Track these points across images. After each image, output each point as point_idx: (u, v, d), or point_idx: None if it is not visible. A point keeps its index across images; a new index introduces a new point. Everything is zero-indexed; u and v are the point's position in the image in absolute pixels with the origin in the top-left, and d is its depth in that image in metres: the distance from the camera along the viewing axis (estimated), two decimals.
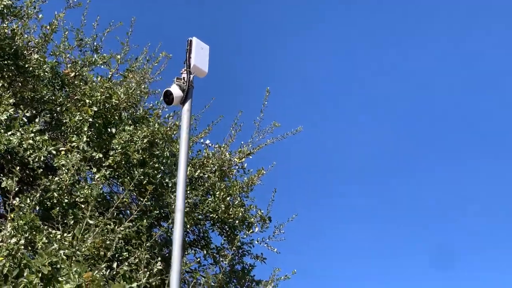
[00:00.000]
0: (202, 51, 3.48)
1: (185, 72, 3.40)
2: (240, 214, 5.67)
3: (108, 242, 4.20)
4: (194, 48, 3.42)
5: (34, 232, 4.05)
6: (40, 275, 3.41)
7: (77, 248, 3.87)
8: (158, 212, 5.21)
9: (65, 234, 4.05)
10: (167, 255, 5.11)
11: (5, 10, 5.17)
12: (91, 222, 4.20)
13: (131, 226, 4.47)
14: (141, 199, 5.14)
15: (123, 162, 5.10)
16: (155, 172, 5.20)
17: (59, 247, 3.66)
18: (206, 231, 6.00)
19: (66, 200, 4.68)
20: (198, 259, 5.92)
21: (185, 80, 3.37)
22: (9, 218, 4.02)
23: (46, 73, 5.19)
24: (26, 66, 5.19)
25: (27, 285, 3.37)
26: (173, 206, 5.20)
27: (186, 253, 6.01)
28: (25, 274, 3.39)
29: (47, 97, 5.25)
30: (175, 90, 3.37)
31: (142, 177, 5.03)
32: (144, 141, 5.13)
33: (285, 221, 6.03)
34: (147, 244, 4.48)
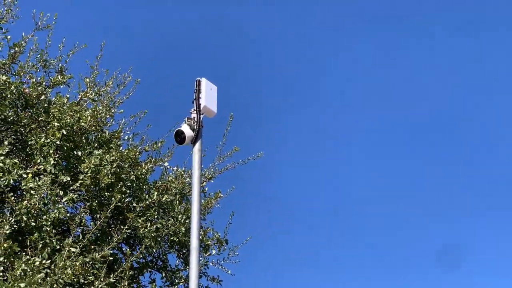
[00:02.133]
0: (211, 92, 3.66)
1: (195, 112, 3.55)
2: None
3: (86, 269, 4.19)
4: (204, 88, 3.59)
5: (12, 258, 3.95)
6: None
7: (59, 276, 3.84)
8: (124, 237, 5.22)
9: (43, 261, 3.98)
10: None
11: None
12: (70, 248, 4.16)
13: (107, 252, 4.49)
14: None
15: (91, 186, 5.07)
16: (123, 196, 5.22)
17: (46, 275, 3.63)
18: (164, 253, 6.08)
19: (33, 223, 4.57)
20: (154, 280, 5.99)
21: (195, 120, 3.52)
22: None
23: (12, 94, 5.02)
24: None
25: None
26: (140, 230, 5.27)
27: (142, 274, 6.06)
28: None
29: (11, 118, 5.08)
30: (186, 130, 3.51)
31: (110, 200, 5.05)
32: (114, 165, 5.15)
33: (240, 244, 6.30)
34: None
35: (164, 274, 5.93)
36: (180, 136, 3.56)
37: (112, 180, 5.15)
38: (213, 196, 6.32)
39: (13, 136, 5.04)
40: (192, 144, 3.63)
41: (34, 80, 5.55)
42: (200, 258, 6.20)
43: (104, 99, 5.55)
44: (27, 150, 5.08)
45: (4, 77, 4.95)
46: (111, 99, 5.60)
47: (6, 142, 4.64)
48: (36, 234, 4.20)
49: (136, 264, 5.55)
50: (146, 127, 5.93)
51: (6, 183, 4.47)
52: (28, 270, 3.86)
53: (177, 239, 5.80)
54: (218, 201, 6.23)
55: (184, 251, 6.19)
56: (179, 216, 5.78)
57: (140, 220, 5.22)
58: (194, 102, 3.56)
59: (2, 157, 4.52)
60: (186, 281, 6.04)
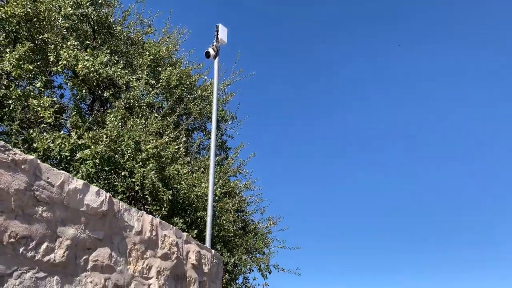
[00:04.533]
0: (224, 31, 7.30)
1: (216, 41, 7.24)
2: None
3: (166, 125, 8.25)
4: (220, 29, 7.24)
5: (125, 120, 8.12)
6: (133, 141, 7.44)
7: (152, 128, 7.92)
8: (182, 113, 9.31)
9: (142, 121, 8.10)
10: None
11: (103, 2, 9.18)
12: (155, 116, 8.26)
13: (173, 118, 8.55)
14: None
15: (166, 86, 9.17)
16: (183, 89, 9.26)
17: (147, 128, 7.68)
18: (204, 123, 10.20)
19: (136, 104, 8.75)
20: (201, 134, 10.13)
21: (215, 46, 7.21)
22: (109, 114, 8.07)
23: (123, 37, 9.22)
24: (113, 32, 9.22)
25: (128, 142, 7.35)
26: (192, 110, 9.32)
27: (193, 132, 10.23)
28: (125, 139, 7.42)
29: (124, 50, 9.29)
30: (211, 51, 7.21)
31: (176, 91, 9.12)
32: (178, 75, 9.16)
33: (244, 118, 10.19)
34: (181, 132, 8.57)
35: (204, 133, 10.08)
36: (208, 53, 7.23)
37: (177, 83, 9.19)
38: (229, 94, 10.28)
39: (125, 60, 9.24)
40: (214, 59, 7.29)
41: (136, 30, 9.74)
42: (221, 125, 10.29)
43: (172, 40, 9.60)
44: (132, 66, 9.28)
45: (119, 27, 9.14)
46: (177, 40, 9.63)
47: (122, 62, 8.80)
48: (138, 110, 8.29)
49: (190, 128, 9.61)
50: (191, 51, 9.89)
51: (123, 81, 8.64)
52: (135, 125, 7.89)
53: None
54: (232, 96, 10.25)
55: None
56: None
57: (191, 104, 9.25)
58: (215, 36, 7.24)
59: (120, 69, 8.68)
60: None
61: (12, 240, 1.77)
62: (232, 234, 7.72)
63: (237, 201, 8.99)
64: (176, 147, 6.95)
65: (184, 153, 8.57)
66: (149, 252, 2.69)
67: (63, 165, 6.60)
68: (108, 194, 2.36)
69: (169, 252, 2.89)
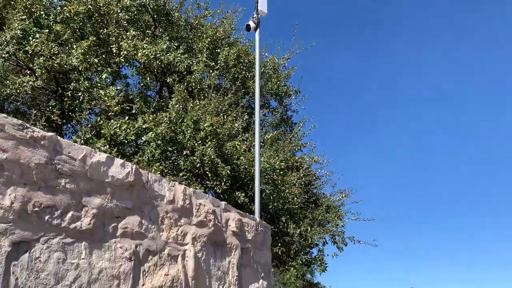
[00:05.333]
0: (264, 1, 7.23)
1: (256, 13, 7.23)
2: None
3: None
4: (260, 0, 7.20)
5: (186, 103, 8.38)
6: (192, 121, 7.67)
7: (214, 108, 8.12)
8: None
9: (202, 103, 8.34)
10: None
11: None
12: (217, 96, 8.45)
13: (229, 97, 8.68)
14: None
15: (225, 66, 9.30)
16: (242, 68, 9.35)
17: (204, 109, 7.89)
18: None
19: (198, 87, 8.99)
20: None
21: (256, 17, 7.20)
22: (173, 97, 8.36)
23: (181, 22, 9.47)
24: (172, 19, 9.50)
25: (187, 123, 7.59)
26: (251, 88, 9.38)
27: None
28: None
29: (184, 35, 9.55)
30: (252, 24, 7.22)
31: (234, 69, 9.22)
32: (235, 54, 9.25)
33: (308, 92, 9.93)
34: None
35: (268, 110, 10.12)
36: (249, 26, 7.23)
37: (235, 62, 9.29)
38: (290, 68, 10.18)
39: (185, 44, 9.50)
40: (254, 31, 7.28)
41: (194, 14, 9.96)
42: (285, 101, 10.25)
43: (227, 21, 9.68)
44: (192, 50, 9.52)
45: (177, 14, 9.38)
46: (232, 19, 9.69)
47: (182, 47, 9.05)
48: (200, 92, 8.52)
49: (252, 106, 9.68)
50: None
51: (182, 66, 8.90)
52: (195, 106, 8.14)
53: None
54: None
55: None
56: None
57: (250, 82, 9.31)
58: (255, 7, 7.20)
59: (179, 54, 8.93)
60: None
61: (36, 209, 1.94)
62: (296, 206, 7.74)
63: (302, 175, 8.95)
64: (231, 124, 7.07)
65: (242, 130, 8.68)
66: (183, 220, 2.80)
67: (133, 149, 7.01)
68: (134, 166, 2.48)
69: (205, 219, 2.99)
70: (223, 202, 3.27)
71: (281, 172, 8.46)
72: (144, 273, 2.44)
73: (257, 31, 7.22)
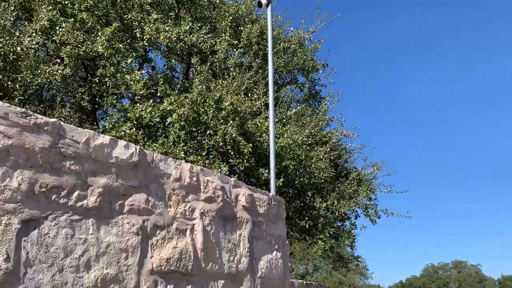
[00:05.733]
0: None
1: None
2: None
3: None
4: None
5: (208, 83, 8.49)
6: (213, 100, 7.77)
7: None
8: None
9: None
10: None
11: None
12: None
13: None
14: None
15: (248, 45, 9.32)
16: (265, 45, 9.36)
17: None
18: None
19: (222, 66, 9.08)
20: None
21: None
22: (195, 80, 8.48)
23: (203, 2, 9.53)
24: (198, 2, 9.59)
25: (210, 103, 7.71)
26: (276, 64, 9.37)
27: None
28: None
29: (208, 15, 9.62)
30: (263, 0, 7.20)
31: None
32: (258, 31, 9.24)
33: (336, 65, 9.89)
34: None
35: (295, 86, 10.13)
36: (260, 4, 7.20)
37: (258, 39, 9.28)
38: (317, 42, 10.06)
39: (208, 26, 9.57)
40: (266, 7, 7.25)
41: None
42: (313, 75, 10.20)
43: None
44: (216, 30, 9.58)
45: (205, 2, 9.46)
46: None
47: (205, 28, 9.13)
48: (224, 72, 8.60)
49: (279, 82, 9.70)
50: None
51: (207, 47, 8.99)
52: (217, 86, 8.24)
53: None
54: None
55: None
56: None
57: (274, 58, 9.31)
58: None
59: (203, 34, 9.02)
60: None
61: (43, 189, 2.11)
62: (323, 180, 7.78)
63: (329, 149, 8.95)
64: (252, 103, 7.14)
65: (265, 108, 8.73)
66: (191, 196, 2.94)
67: (161, 131, 7.22)
68: (137, 147, 2.62)
69: (213, 195, 3.11)
70: (233, 179, 3.38)
71: (307, 147, 8.48)
72: (152, 246, 2.60)
73: (269, 7, 7.18)
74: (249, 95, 9.03)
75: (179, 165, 2.93)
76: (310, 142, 8.83)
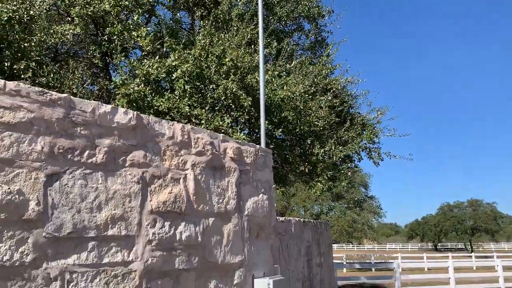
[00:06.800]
0: None
1: None
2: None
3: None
4: None
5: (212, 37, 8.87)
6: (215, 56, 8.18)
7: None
8: None
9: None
10: None
11: None
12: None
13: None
14: None
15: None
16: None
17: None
18: None
19: (226, 17, 9.39)
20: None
21: None
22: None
23: None
24: None
25: (212, 58, 8.13)
26: (279, 13, 9.64)
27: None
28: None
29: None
30: None
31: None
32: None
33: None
34: None
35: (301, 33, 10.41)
36: None
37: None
38: None
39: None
40: None
41: None
42: (319, 22, 10.49)
43: None
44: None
45: None
46: None
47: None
48: (229, 24, 8.93)
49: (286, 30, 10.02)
50: None
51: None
52: (220, 40, 8.59)
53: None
54: None
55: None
56: None
57: (277, 8, 9.57)
58: None
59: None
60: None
61: (61, 151, 2.73)
62: (321, 128, 8.31)
63: (330, 97, 9.39)
64: (251, 58, 7.56)
65: (267, 60, 9.12)
66: (183, 151, 3.55)
67: (168, 85, 7.77)
68: (135, 112, 3.20)
69: (203, 149, 3.72)
70: (221, 135, 3.97)
71: (310, 96, 8.95)
72: (151, 192, 3.25)
73: None
74: (252, 46, 9.42)
75: (172, 125, 3.52)
76: (312, 91, 9.29)
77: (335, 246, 66.39)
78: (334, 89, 10.58)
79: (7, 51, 6.69)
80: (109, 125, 3.04)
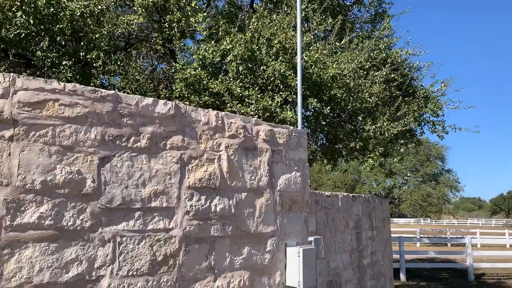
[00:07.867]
0: None
1: None
2: None
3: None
4: None
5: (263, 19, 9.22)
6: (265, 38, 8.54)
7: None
8: None
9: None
10: None
11: None
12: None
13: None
14: None
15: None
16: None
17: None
18: None
19: None
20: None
21: None
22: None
23: None
24: None
25: (262, 41, 8.49)
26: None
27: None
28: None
29: None
30: None
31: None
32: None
33: None
34: None
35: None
36: None
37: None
38: None
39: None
40: None
41: None
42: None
43: None
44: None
45: None
46: None
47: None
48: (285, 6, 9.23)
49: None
50: None
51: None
52: (271, 22, 8.94)
53: None
54: None
55: None
56: None
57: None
58: None
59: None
60: None
61: (110, 138, 3.37)
62: (374, 104, 8.46)
63: (388, 71, 9.44)
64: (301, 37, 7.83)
65: (323, 36, 9.33)
66: (217, 135, 4.08)
67: (223, 68, 8.33)
68: (173, 103, 3.77)
69: (236, 133, 4.22)
70: (254, 118, 4.44)
71: (364, 72, 9.09)
72: (189, 170, 3.83)
73: None
74: (306, 25, 9.66)
75: (207, 112, 4.05)
76: (368, 66, 9.38)
77: (411, 220, 64.62)
78: (394, 62, 10.55)
79: (81, 42, 7.59)
80: (151, 115, 3.64)
